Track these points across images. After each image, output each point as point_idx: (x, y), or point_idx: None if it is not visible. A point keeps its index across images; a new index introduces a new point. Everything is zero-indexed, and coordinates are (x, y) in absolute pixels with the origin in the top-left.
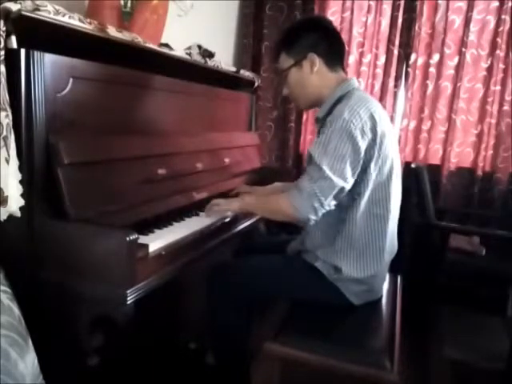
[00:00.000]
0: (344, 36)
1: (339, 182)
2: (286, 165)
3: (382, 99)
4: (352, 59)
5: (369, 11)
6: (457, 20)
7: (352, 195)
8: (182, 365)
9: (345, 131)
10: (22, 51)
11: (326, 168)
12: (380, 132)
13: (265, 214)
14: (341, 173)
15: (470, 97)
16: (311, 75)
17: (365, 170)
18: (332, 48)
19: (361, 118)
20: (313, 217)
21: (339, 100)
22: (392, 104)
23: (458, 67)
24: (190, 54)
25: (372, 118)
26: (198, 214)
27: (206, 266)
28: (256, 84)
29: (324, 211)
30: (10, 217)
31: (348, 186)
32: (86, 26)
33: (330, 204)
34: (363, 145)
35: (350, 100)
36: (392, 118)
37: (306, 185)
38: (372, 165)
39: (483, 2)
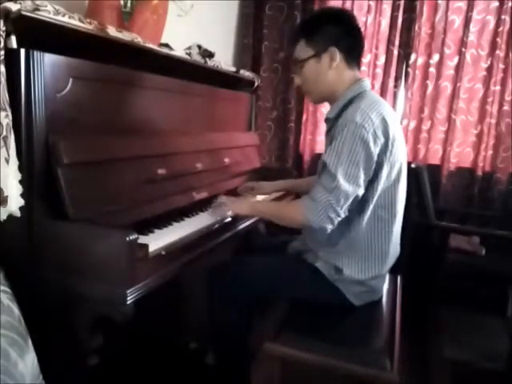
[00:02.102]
0: None
1: (354, 190)
2: (286, 165)
3: None
4: None
5: (369, 11)
6: (457, 20)
7: (361, 199)
8: (182, 365)
9: (357, 137)
10: (22, 51)
11: (340, 177)
12: (391, 136)
13: (275, 220)
14: (355, 180)
15: (470, 97)
16: (329, 70)
17: (376, 175)
18: (353, 45)
19: (372, 123)
20: (329, 226)
21: (350, 101)
22: (392, 104)
23: (458, 67)
24: (189, 54)
25: (384, 122)
26: (197, 214)
27: (206, 265)
28: (256, 84)
29: (340, 219)
30: (10, 217)
31: (362, 191)
32: (86, 26)
33: (346, 212)
34: (376, 149)
35: (362, 103)
36: None
37: (321, 196)
38: (383, 169)
39: (483, 1)
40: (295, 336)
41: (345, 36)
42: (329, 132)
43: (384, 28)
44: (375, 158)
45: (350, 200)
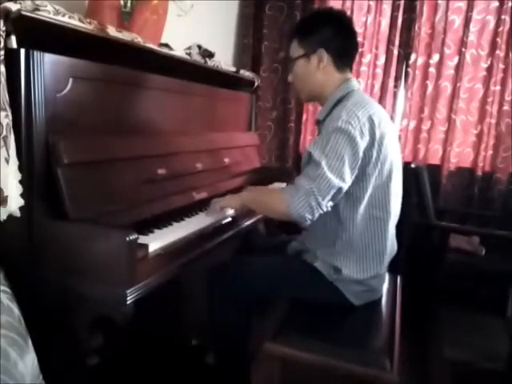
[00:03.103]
0: None
1: (338, 182)
2: (286, 165)
3: (381, 99)
4: None
5: (369, 11)
6: (457, 20)
7: (351, 198)
8: (182, 365)
9: (343, 131)
10: (22, 51)
11: (325, 167)
12: (379, 134)
13: (261, 210)
14: (339, 172)
15: (470, 97)
16: (317, 71)
17: (364, 172)
18: (344, 47)
19: (359, 120)
20: (309, 216)
21: (338, 102)
22: (392, 104)
23: (458, 67)
24: (189, 54)
25: (370, 120)
26: (197, 214)
27: (206, 265)
28: (256, 84)
29: (321, 212)
30: (10, 217)
31: (346, 186)
32: (86, 26)
33: (327, 205)
34: (362, 145)
35: (349, 102)
36: (392, 118)
37: (303, 183)
38: (371, 167)
39: (483, 1)
40: (295, 336)
41: (336, 38)
42: (319, 133)
43: (384, 28)
44: (361, 154)
45: (333, 192)
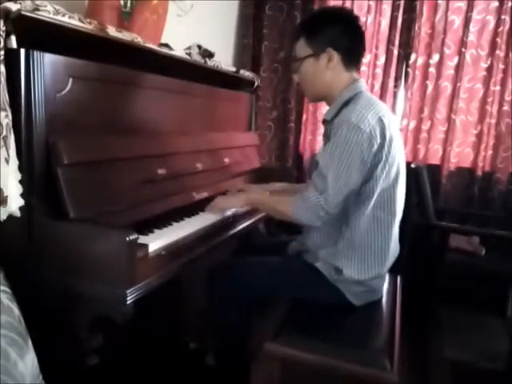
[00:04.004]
0: None
1: (345, 190)
2: (286, 165)
3: (381, 99)
4: None
5: (368, 11)
6: (456, 20)
7: (358, 199)
8: (181, 365)
9: (352, 138)
10: (22, 51)
11: (331, 178)
12: (388, 136)
13: (268, 212)
14: (346, 182)
15: (470, 97)
16: (326, 70)
17: (372, 174)
18: (352, 46)
19: (369, 123)
20: (318, 223)
21: (347, 103)
22: (392, 104)
23: (458, 67)
24: (189, 54)
25: (380, 122)
26: (197, 214)
27: (206, 265)
28: (256, 84)
29: (329, 217)
30: (10, 217)
31: (355, 189)
32: (86, 25)
33: (336, 210)
34: (371, 151)
35: (358, 104)
36: None
37: (311, 196)
38: (379, 169)
39: (483, 2)
40: (295, 336)
41: (345, 38)
42: (326, 133)
43: (384, 28)
44: (370, 159)
45: (341, 199)
